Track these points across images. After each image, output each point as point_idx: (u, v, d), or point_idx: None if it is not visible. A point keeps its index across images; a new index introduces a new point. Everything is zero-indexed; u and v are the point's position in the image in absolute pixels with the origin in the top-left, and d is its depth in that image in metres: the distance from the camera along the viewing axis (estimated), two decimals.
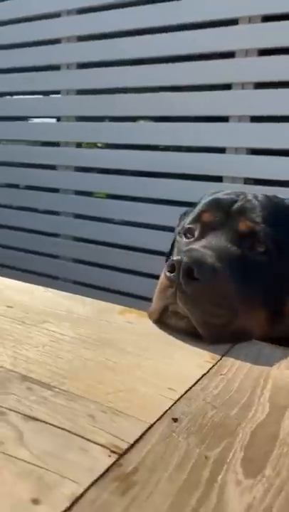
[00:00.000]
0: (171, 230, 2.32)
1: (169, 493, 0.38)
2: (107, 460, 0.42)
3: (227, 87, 2.04)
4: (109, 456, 0.42)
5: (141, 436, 0.45)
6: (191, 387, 0.56)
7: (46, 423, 0.47)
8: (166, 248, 2.36)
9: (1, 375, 0.56)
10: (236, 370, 0.62)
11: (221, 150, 2.08)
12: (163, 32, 2.16)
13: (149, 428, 0.47)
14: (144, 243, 2.38)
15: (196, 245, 0.78)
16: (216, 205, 0.85)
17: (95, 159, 2.65)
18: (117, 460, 0.42)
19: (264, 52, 1.94)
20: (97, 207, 2.62)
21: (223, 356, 0.66)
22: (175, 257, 0.72)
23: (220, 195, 0.88)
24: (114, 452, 0.43)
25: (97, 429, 0.46)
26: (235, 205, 0.83)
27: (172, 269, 0.72)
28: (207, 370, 0.61)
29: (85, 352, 0.64)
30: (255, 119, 1.99)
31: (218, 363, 0.63)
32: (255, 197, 0.84)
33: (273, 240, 0.77)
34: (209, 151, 2.12)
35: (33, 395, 0.52)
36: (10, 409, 0.49)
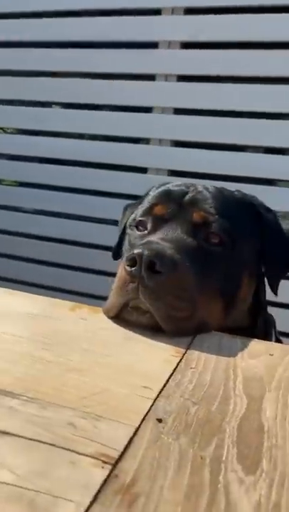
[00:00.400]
0: (87, 219, 2.29)
1: (176, 502, 0.36)
2: (101, 472, 0.38)
3: (150, 78, 2.03)
4: (102, 467, 0.39)
5: (130, 442, 0.42)
6: (165, 384, 0.54)
7: (22, 437, 0.42)
8: (79, 237, 2.33)
9: None
10: (204, 362, 0.61)
11: (145, 140, 2.08)
12: (84, 16, 2.08)
13: (136, 432, 0.44)
14: (56, 233, 2.30)
15: (153, 238, 0.75)
16: (167, 196, 0.83)
17: (3, 145, 2.49)
18: (111, 471, 0.38)
19: (187, 45, 1.96)
20: (7, 195, 2.47)
21: (187, 349, 0.65)
22: (135, 251, 0.69)
23: (170, 187, 0.86)
24: (106, 463, 0.39)
25: (81, 438, 0.42)
26: (187, 197, 0.82)
27: (133, 263, 0.69)
28: (176, 364, 0.59)
29: (43, 353, 0.59)
30: (179, 111, 2.01)
31: (184, 357, 0.62)
32: (206, 188, 0.84)
33: (227, 231, 0.77)
34: (133, 140, 2.10)
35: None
36: None
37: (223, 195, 0.84)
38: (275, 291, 0.84)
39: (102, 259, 2.11)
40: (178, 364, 0.60)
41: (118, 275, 0.73)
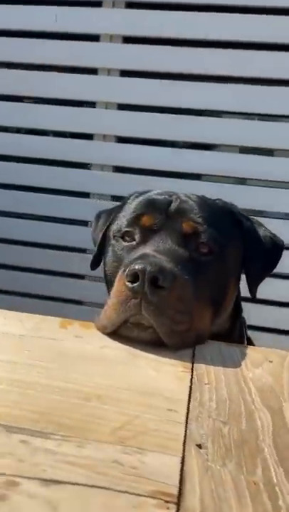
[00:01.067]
0: (25, 216, 2.19)
1: None
2: None
3: (93, 71, 1.98)
4: (168, 508, 0.38)
5: (182, 474, 0.42)
6: (188, 405, 0.54)
7: (73, 484, 0.39)
8: (20, 236, 2.18)
9: None
10: (214, 377, 0.62)
11: (89, 136, 2.03)
12: (26, 4, 1.97)
13: (183, 461, 0.44)
14: None
15: (147, 250, 0.74)
16: (152, 206, 0.82)
17: None
18: (178, 511, 0.37)
19: (129, 39, 1.93)
20: None
21: (193, 363, 0.65)
22: (137, 266, 0.67)
23: (153, 196, 0.86)
24: (168, 502, 0.38)
25: (133, 477, 0.41)
26: (172, 206, 0.82)
27: (134, 278, 0.67)
28: (189, 381, 0.59)
29: (50, 380, 0.56)
30: (122, 106, 1.98)
31: (193, 372, 0.62)
32: (189, 197, 0.84)
33: (216, 240, 0.78)
34: (76, 136, 2.05)
35: (33, 449, 0.43)
36: (18, 476, 0.40)
37: (207, 204, 0.84)
38: (254, 295, 0.86)
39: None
40: (191, 381, 0.60)
41: (116, 291, 0.71)
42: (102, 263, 0.92)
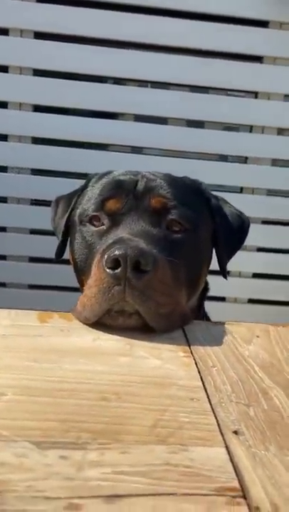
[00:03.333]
0: None
1: None
2: (243, 509, 0.37)
3: (4, 32, 1.80)
4: (238, 503, 0.37)
5: (234, 466, 0.41)
6: (206, 391, 0.53)
7: (139, 495, 0.37)
8: None
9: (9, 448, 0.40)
10: (216, 358, 0.62)
11: (3, 105, 1.87)
12: None
13: (228, 451, 0.43)
14: None
15: (122, 234, 0.71)
16: (119, 187, 0.79)
17: None
18: (249, 504, 0.37)
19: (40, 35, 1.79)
20: None
21: (190, 346, 0.64)
22: (117, 252, 0.64)
23: (118, 177, 0.81)
24: (236, 497, 0.38)
25: (194, 477, 0.40)
26: (139, 185, 0.79)
27: (115, 264, 0.64)
28: (195, 365, 0.59)
29: (59, 384, 0.52)
30: (38, 72, 1.85)
31: (194, 356, 0.62)
32: (155, 175, 0.82)
33: (188, 217, 0.77)
34: None
35: (78, 464, 0.40)
36: (77, 497, 0.36)
37: (175, 181, 0.82)
38: (224, 273, 0.87)
39: None
40: (196, 365, 0.59)
41: (96, 279, 0.67)
42: (67, 251, 0.87)
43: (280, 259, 2.03)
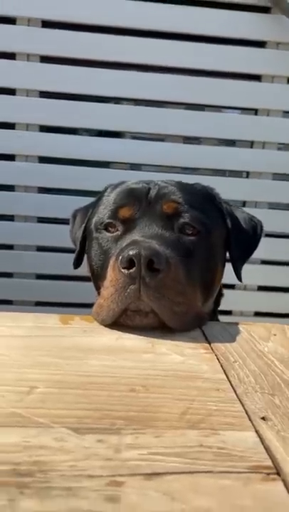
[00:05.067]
0: None
1: None
2: (279, 484, 0.38)
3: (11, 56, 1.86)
4: (274, 479, 0.39)
5: (266, 448, 0.43)
6: (231, 383, 0.55)
7: (177, 473, 0.38)
8: None
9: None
10: (237, 354, 0.63)
11: (11, 126, 1.91)
12: None
13: (259, 435, 0.45)
14: None
15: (136, 237, 0.73)
16: (132, 195, 0.82)
17: None
18: (284, 480, 0.38)
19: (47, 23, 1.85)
20: None
21: (210, 344, 0.66)
22: (131, 252, 0.66)
23: (131, 186, 0.85)
24: (270, 474, 0.39)
25: (229, 457, 0.41)
26: (151, 192, 0.82)
27: (130, 264, 0.66)
28: (217, 360, 0.61)
29: (88, 378, 0.54)
30: (44, 94, 1.90)
31: (215, 352, 0.63)
32: (167, 182, 0.85)
33: (200, 220, 0.79)
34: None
35: (115, 447, 0.41)
36: (118, 475, 0.37)
37: (186, 187, 0.85)
38: (239, 276, 0.89)
39: None
40: (218, 360, 0.61)
41: (111, 280, 0.69)
42: (85, 260, 0.90)
43: (286, 272, 2.05)
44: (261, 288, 2.06)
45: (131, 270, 0.66)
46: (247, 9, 1.88)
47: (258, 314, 2.07)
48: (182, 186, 0.85)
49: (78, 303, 1.89)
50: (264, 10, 1.87)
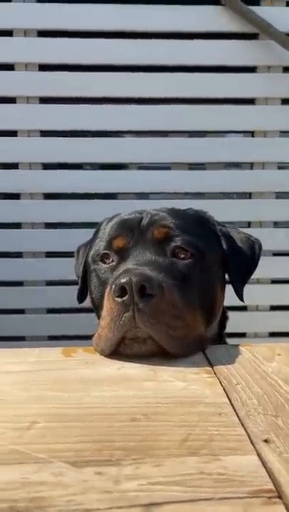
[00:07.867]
0: None
1: None
2: (281, 507, 0.37)
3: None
4: (275, 503, 0.38)
5: (268, 471, 0.42)
6: (233, 406, 0.54)
7: (176, 502, 0.38)
8: None
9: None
10: (240, 376, 0.63)
11: (14, 166, 1.97)
12: None
13: (260, 458, 0.44)
14: None
15: (129, 265, 0.74)
16: (125, 226, 0.84)
17: None
18: (285, 504, 0.38)
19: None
20: None
21: (213, 367, 0.66)
22: (122, 280, 0.67)
23: (124, 217, 0.87)
24: (272, 498, 0.38)
25: (229, 483, 0.40)
26: (144, 221, 0.83)
27: (122, 292, 0.67)
28: (220, 384, 0.60)
29: (89, 409, 0.53)
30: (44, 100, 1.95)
31: (218, 376, 0.63)
32: (158, 210, 0.86)
33: (192, 244, 0.80)
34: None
35: (114, 478, 0.41)
36: (116, 507, 0.37)
37: (177, 212, 0.86)
38: (241, 297, 0.89)
39: None
40: (221, 384, 0.60)
41: (107, 309, 0.70)
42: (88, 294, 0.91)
43: None
44: (274, 308, 2.03)
45: (124, 298, 0.67)
46: (236, 37, 1.94)
47: (273, 335, 2.04)
48: (173, 212, 0.86)
49: (91, 335, 1.89)
50: (253, 37, 1.93)
